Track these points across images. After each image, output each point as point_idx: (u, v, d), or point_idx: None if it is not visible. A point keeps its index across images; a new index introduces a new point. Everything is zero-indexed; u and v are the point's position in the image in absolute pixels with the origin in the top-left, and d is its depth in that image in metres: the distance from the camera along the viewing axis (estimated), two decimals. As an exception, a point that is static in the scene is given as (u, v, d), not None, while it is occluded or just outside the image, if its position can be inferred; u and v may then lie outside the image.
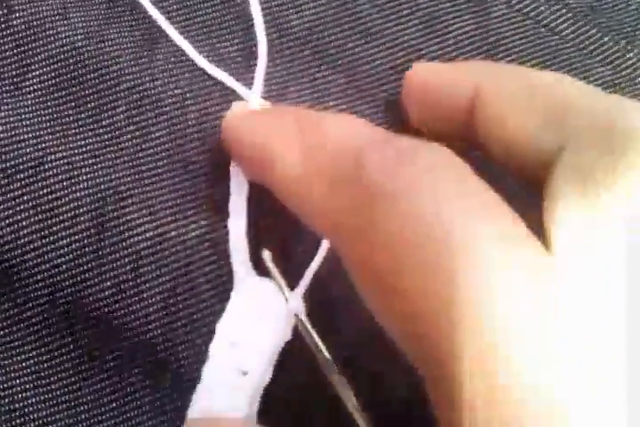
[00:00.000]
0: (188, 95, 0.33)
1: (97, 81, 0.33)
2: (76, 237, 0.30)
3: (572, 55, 0.37)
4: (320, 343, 0.29)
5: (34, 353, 0.30)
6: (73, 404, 0.30)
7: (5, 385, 0.29)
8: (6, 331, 0.30)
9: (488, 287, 0.20)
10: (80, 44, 0.33)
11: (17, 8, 0.33)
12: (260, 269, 0.30)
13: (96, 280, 0.30)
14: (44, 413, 0.29)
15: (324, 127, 0.26)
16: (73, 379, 0.30)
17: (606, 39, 0.38)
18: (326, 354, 0.29)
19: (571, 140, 0.24)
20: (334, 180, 0.24)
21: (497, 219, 0.21)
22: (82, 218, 0.30)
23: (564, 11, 0.37)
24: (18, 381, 0.29)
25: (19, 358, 0.30)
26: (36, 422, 0.29)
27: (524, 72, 0.30)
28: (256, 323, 0.29)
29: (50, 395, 0.29)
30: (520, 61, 0.36)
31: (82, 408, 0.30)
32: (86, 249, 0.30)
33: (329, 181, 0.24)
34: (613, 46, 0.38)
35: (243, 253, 0.30)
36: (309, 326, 0.29)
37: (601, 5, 0.39)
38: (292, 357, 0.30)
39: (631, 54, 0.38)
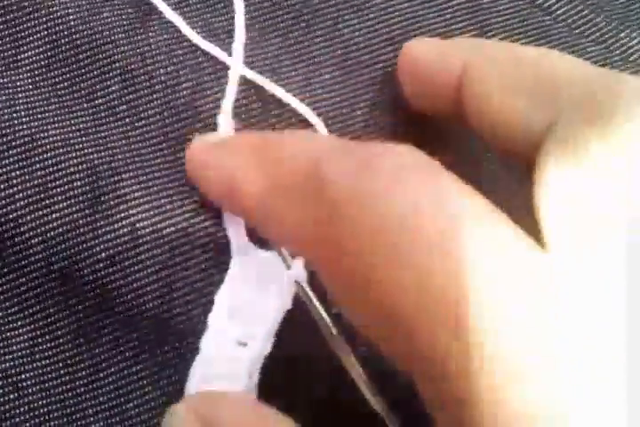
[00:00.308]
0: (180, 72, 0.33)
1: (90, 60, 0.33)
2: (69, 209, 0.30)
3: (564, 35, 0.37)
4: (323, 311, 0.28)
5: (29, 327, 0.29)
6: (69, 378, 0.29)
7: (1, 352, 0.29)
8: (1, 298, 0.29)
9: (477, 285, 0.19)
10: (73, 22, 0.33)
11: (8, -12, 0.33)
12: (256, 238, 0.30)
13: (90, 252, 0.29)
14: (39, 387, 0.29)
15: (281, 145, 0.26)
16: (69, 353, 0.29)
17: (599, 19, 0.38)
18: (329, 322, 0.28)
19: (561, 115, 0.24)
20: (295, 194, 0.23)
21: (479, 212, 0.20)
22: (75, 192, 0.30)
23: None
24: (12, 355, 0.29)
25: (13, 332, 0.29)
26: (32, 397, 0.29)
27: (511, 48, 0.29)
28: (255, 293, 0.28)
29: (45, 369, 0.29)
30: (512, 39, 0.36)
31: (78, 383, 0.29)
32: (80, 222, 0.30)
33: (291, 196, 0.24)
34: (606, 26, 0.38)
35: (238, 224, 0.30)
36: (311, 294, 0.28)
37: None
38: (293, 326, 0.29)
39: (623, 34, 0.38)
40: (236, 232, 0.29)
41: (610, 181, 0.21)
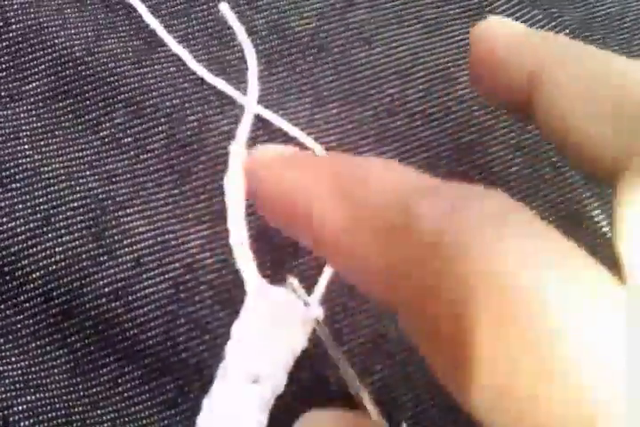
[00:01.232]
0: (186, 105, 0.32)
1: (95, 91, 0.32)
2: (73, 243, 0.29)
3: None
4: (339, 350, 0.28)
5: (23, 363, 0.28)
6: (64, 413, 0.28)
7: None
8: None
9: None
10: (78, 54, 0.33)
11: (13, 20, 0.33)
12: (267, 276, 0.29)
13: (93, 286, 0.29)
14: (32, 421, 0.28)
15: (366, 175, 0.24)
16: (65, 390, 0.28)
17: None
18: (346, 361, 0.28)
19: None
20: (382, 234, 0.22)
21: (581, 275, 0.20)
22: (79, 226, 0.30)
23: (561, 27, 0.38)
24: (4, 388, 0.28)
25: (7, 366, 0.28)
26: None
27: (594, 57, 0.25)
28: (270, 330, 0.28)
29: (38, 403, 0.28)
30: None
31: (73, 418, 0.28)
32: (83, 256, 0.29)
33: (376, 236, 0.22)
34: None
35: (249, 262, 0.29)
36: (328, 332, 0.28)
37: (596, 21, 0.39)
38: (306, 365, 0.28)
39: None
40: (249, 269, 0.29)
41: None
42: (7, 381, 0.28)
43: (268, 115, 0.32)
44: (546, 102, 0.25)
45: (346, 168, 0.24)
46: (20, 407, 0.28)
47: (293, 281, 0.29)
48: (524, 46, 0.26)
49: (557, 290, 0.18)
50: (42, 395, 0.28)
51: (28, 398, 0.28)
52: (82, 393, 0.28)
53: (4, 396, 0.28)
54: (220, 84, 0.33)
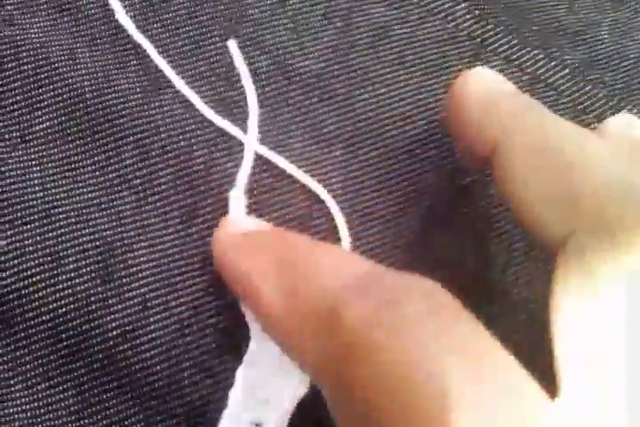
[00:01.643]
0: (194, 147, 0.33)
1: (105, 132, 0.33)
2: (81, 287, 0.30)
3: (568, 111, 0.38)
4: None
5: (32, 405, 0.29)
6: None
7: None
8: (7, 375, 0.30)
9: None
10: (88, 95, 0.33)
11: (26, 60, 0.34)
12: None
13: (102, 329, 0.30)
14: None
15: (306, 262, 0.25)
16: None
17: (600, 95, 0.38)
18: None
19: (577, 229, 0.23)
20: (312, 324, 0.23)
21: (487, 373, 0.20)
22: (87, 269, 0.30)
23: (561, 66, 0.38)
24: (15, 424, 0.29)
25: (17, 408, 0.29)
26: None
27: (550, 129, 0.27)
28: (272, 375, 0.28)
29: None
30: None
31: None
32: (92, 298, 0.30)
33: (308, 326, 0.24)
34: (607, 102, 0.38)
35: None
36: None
37: (596, 62, 0.40)
38: (306, 411, 0.29)
39: (624, 111, 0.39)
40: (253, 313, 0.30)
41: (614, 315, 0.21)
42: (17, 424, 0.29)
43: (271, 156, 0.33)
44: (499, 168, 0.26)
45: (288, 252, 0.26)
46: None
47: None
48: (492, 108, 0.27)
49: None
50: None
51: None
52: (91, 434, 0.29)
53: None
54: (226, 125, 0.33)
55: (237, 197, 0.32)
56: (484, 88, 0.29)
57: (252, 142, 0.33)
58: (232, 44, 0.35)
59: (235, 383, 0.28)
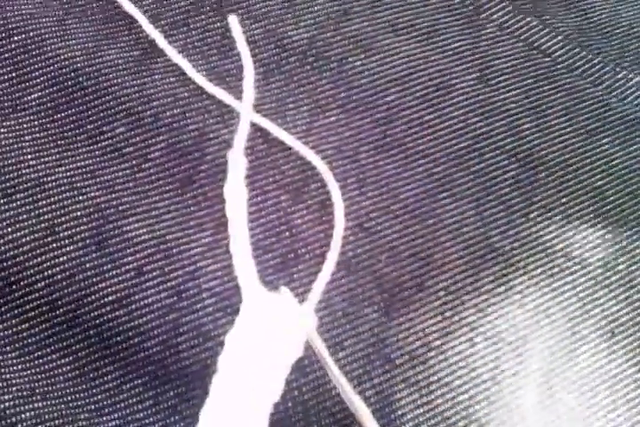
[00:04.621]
0: (186, 114, 0.33)
1: (96, 101, 0.33)
2: (76, 253, 0.30)
3: (563, 76, 0.38)
4: (331, 361, 0.28)
5: (28, 371, 0.29)
6: (70, 419, 0.28)
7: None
8: (3, 342, 0.29)
9: None
10: (79, 64, 0.33)
11: (15, 31, 0.33)
12: (266, 283, 0.30)
13: (97, 296, 0.29)
14: (44, 425, 0.28)
15: None
16: (69, 397, 0.29)
17: (596, 61, 0.38)
18: (338, 369, 0.28)
19: None
20: None
21: None
22: (82, 235, 0.30)
23: (554, 33, 0.38)
24: (11, 396, 0.28)
25: (12, 374, 0.29)
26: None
27: None
28: (266, 338, 0.28)
29: (44, 410, 0.28)
30: (514, 81, 0.37)
31: (77, 425, 0.29)
32: (87, 265, 0.30)
33: None
34: (604, 67, 0.38)
35: (249, 269, 0.30)
36: (320, 340, 0.28)
37: (589, 28, 0.40)
38: (300, 373, 0.29)
39: (620, 75, 0.38)
40: (246, 276, 0.29)
41: None
42: (14, 388, 0.28)
43: (265, 124, 0.33)
44: None
45: None
46: (28, 414, 0.28)
47: (285, 291, 0.29)
48: None
49: None
50: (48, 402, 0.29)
51: (35, 405, 0.28)
52: (86, 400, 0.29)
53: (11, 404, 0.28)
54: (220, 93, 0.33)
55: (236, 159, 0.32)
56: None
57: (247, 106, 0.33)
58: (233, 20, 0.35)
59: (225, 346, 0.28)
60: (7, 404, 0.28)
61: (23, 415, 0.28)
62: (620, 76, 0.38)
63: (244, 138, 0.32)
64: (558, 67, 0.38)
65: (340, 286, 0.31)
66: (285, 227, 0.32)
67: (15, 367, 0.29)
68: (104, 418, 0.29)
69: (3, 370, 0.29)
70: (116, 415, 0.29)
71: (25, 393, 0.29)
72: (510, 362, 0.31)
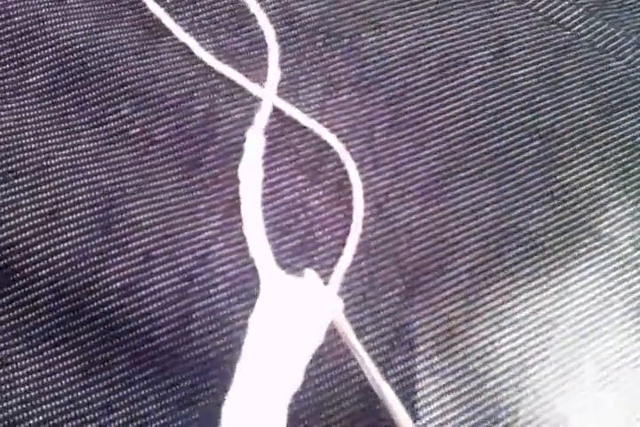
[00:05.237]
0: (194, 94, 0.31)
1: (100, 82, 0.31)
2: (81, 238, 0.28)
3: (584, 50, 0.36)
4: (359, 345, 0.27)
5: (35, 366, 0.28)
6: (77, 414, 0.27)
7: (6, 395, 0.27)
8: (7, 335, 0.28)
9: None
10: (81, 45, 0.32)
11: (15, 12, 0.32)
12: (284, 267, 0.28)
13: (103, 282, 0.28)
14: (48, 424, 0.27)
15: None
16: (78, 393, 0.27)
17: (618, 34, 0.37)
18: (365, 353, 0.27)
19: None
20: None
21: None
22: (86, 220, 0.29)
23: (575, 6, 0.37)
24: (18, 397, 0.27)
25: (19, 372, 0.28)
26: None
27: None
28: (288, 323, 0.27)
29: (53, 412, 0.27)
30: (531, 56, 0.35)
31: (88, 417, 0.27)
32: (92, 250, 0.28)
33: None
34: (626, 41, 0.37)
35: (265, 252, 0.28)
36: (348, 324, 0.27)
37: (611, 1, 0.38)
38: (325, 359, 0.28)
39: (644, 48, 0.37)
40: (263, 259, 0.28)
41: None
42: (21, 389, 0.27)
43: (279, 103, 0.32)
44: None
45: None
46: (36, 420, 0.27)
47: (311, 272, 0.28)
48: None
49: None
50: (56, 403, 0.27)
51: (43, 407, 0.27)
52: (95, 395, 0.27)
53: (18, 409, 0.27)
54: (229, 72, 0.32)
55: (255, 138, 0.30)
56: None
57: (272, 84, 0.31)
58: None
59: (248, 333, 0.26)
60: (15, 409, 0.27)
61: (31, 421, 0.27)
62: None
63: (267, 117, 0.31)
64: (579, 40, 0.36)
65: (359, 269, 0.30)
66: (302, 208, 0.30)
67: (21, 363, 0.28)
68: (114, 414, 0.27)
69: (8, 368, 0.27)
70: (123, 411, 0.27)
71: (33, 394, 0.27)
72: (538, 347, 0.30)
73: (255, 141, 0.30)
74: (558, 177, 0.33)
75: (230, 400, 0.25)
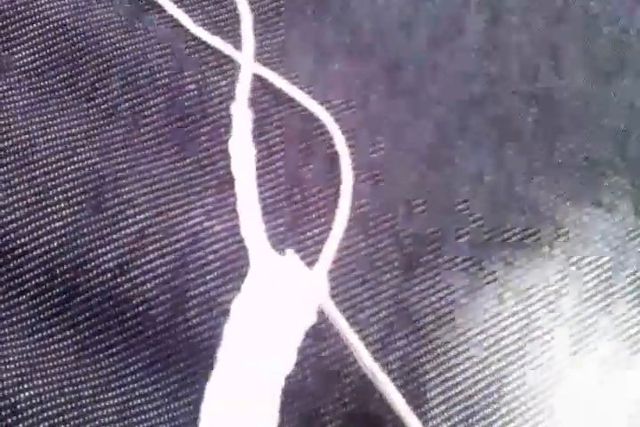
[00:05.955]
0: (184, 66, 0.31)
1: (88, 59, 0.31)
2: (73, 217, 0.28)
3: (579, 15, 0.36)
4: (348, 327, 0.26)
5: (28, 346, 0.27)
6: (73, 397, 0.27)
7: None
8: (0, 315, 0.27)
9: None
10: (68, 20, 0.31)
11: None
12: (278, 244, 0.28)
13: (97, 262, 0.27)
14: (39, 408, 0.26)
15: None
16: (72, 372, 0.27)
17: (613, -1, 0.36)
18: (354, 335, 0.26)
19: None
20: None
21: None
22: (78, 198, 0.28)
23: None
24: (10, 374, 0.26)
25: (12, 350, 0.27)
26: (31, 420, 0.26)
27: None
28: (273, 304, 0.26)
29: (46, 388, 0.26)
30: (528, 20, 0.35)
31: (81, 403, 0.26)
32: (85, 229, 0.28)
33: None
34: (620, 5, 0.36)
35: (257, 230, 0.27)
36: (333, 305, 0.26)
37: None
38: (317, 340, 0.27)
39: (639, 12, 0.36)
40: (254, 237, 0.27)
41: None
42: (13, 366, 0.27)
43: (267, 74, 0.31)
44: None
45: None
46: (28, 394, 0.26)
47: (292, 254, 0.27)
48: None
49: None
50: (49, 379, 0.27)
51: (35, 383, 0.26)
52: (89, 376, 0.27)
53: (10, 382, 0.26)
54: (218, 42, 0.31)
55: (241, 112, 0.29)
56: None
57: (248, 54, 0.30)
58: None
59: (231, 313, 0.25)
60: (6, 383, 0.26)
61: (23, 395, 0.26)
62: (638, 12, 0.36)
63: (247, 89, 0.30)
64: (573, 6, 0.36)
65: (355, 243, 0.29)
66: (295, 184, 0.30)
67: (13, 343, 0.27)
68: (108, 394, 0.27)
69: (2, 347, 0.27)
70: (118, 392, 0.27)
71: (25, 370, 0.27)
72: (543, 318, 0.29)
73: (241, 116, 0.29)
74: (557, 144, 0.32)
75: (214, 385, 0.24)
